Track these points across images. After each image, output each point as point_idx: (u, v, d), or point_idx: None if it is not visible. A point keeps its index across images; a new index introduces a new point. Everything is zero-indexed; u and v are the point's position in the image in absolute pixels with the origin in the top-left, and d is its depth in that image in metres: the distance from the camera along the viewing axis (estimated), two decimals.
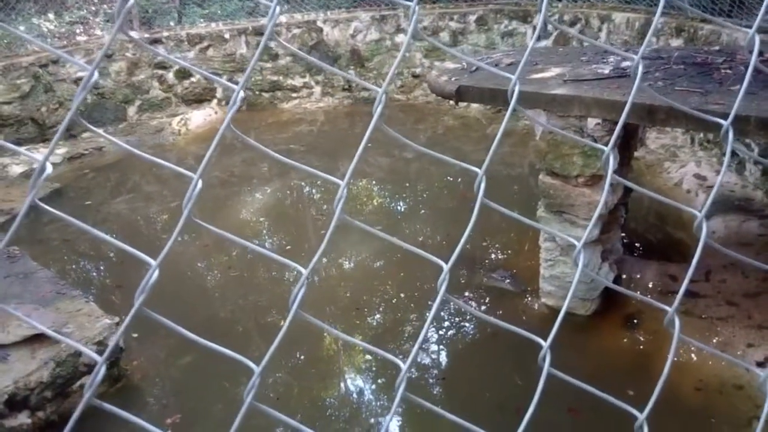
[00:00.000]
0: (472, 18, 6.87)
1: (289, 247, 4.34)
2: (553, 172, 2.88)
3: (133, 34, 6.21)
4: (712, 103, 2.30)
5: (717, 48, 3.32)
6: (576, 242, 0.72)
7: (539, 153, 5.65)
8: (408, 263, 3.84)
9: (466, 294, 3.53)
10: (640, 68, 0.77)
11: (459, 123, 6.75)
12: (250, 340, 3.31)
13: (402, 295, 3.61)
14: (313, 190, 5.44)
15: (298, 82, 7.23)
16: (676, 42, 4.88)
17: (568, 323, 3.19)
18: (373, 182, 5.58)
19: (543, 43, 6.46)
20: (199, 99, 6.91)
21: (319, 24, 7.07)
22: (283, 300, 3.61)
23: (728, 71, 2.71)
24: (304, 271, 0.61)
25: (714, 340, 2.76)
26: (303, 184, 5.48)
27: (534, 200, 3.25)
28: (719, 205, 3.76)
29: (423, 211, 5.07)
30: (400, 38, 7.05)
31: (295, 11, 7.12)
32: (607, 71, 2.90)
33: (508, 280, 3.52)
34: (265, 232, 4.73)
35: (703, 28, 4.58)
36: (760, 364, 2.67)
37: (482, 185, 0.68)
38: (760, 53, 2.36)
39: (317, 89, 7.32)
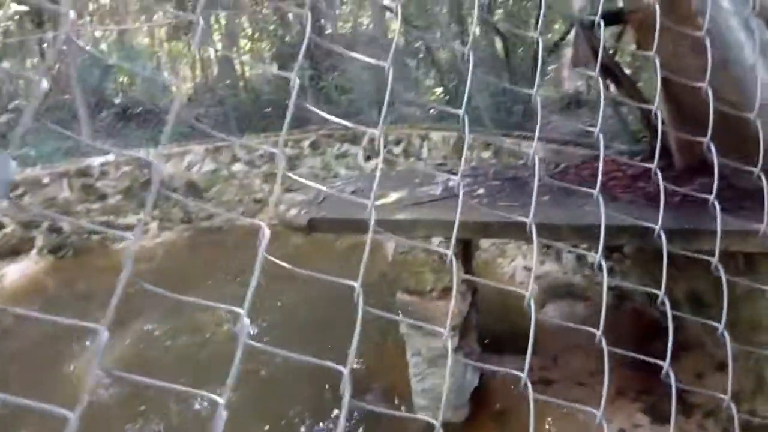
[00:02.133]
0: (306, 143, 7.26)
1: (143, 407, 3.92)
2: (408, 289, 3.05)
3: None
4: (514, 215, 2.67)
5: (522, 162, 3.91)
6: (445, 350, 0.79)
7: (387, 264, 5.94)
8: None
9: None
10: (461, 189, 0.92)
11: (308, 241, 6.84)
12: None
13: None
14: (162, 336, 5.04)
15: (131, 219, 6.88)
16: (485, 154, 5.63)
17: None
18: (222, 313, 5.36)
19: (374, 162, 7.00)
20: (14, 251, 6.20)
21: (150, 159, 6.92)
22: None
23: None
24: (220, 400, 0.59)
25: (577, 423, 3.00)
26: (149, 327, 5.08)
27: (390, 311, 3.35)
28: (549, 293, 4.23)
29: (278, 332, 4.92)
30: (237, 167, 7.16)
31: (122, 147, 6.92)
32: (438, 192, 3.23)
33: (382, 401, 3.53)
34: (109, 392, 4.22)
35: (506, 141, 5.36)
36: None
37: (360, 298, 0.74)
38: (556, 165, 2.79)
39: (153, 224, 7.02)
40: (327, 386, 3.85)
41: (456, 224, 0.85)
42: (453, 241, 0.92)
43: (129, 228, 6.89)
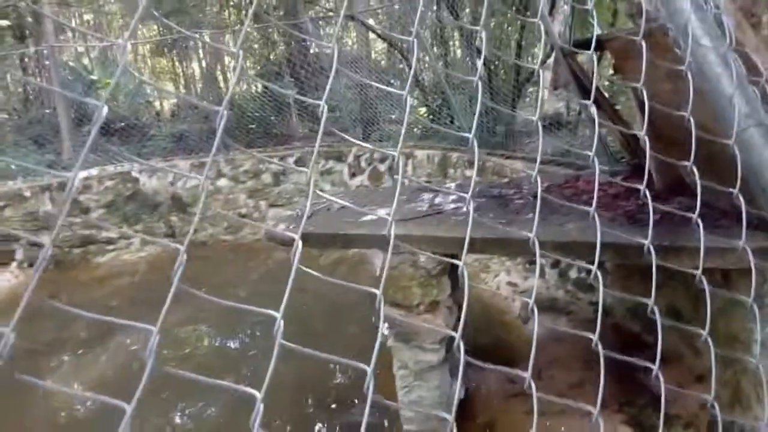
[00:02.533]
0: (291, 160, 7.32)
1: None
2: (396, 303, 3.10)
3: None
4: (516, 231, 2.75)
5: (507, 180, 4.01)
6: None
7: (372, 278, 5.98)
8: None
9: None
10: (471, 206, 0.99)
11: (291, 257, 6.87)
12: None
13: None
14: (142, 351, 4.99)
15: (114, 233, 6.84)
16: (469, 172, 5.74)
17: None
18: (204, 327, 5.34)
19: (359, 179, 7.08)
20: None
21: (134, 174, 6.92)
22: None
23: (520, 201, 3.28)
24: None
25: None
26: (129, 341, 5.04)
27: (377, 326, 3.37)
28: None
29: (263, 347, 4.92)
30: (222, 182, 7.17)
31: (107, 163, 6.89)
32: (425, 208, 3.31)
33: (368, 413, 3.56)
34: (89, 410, 4.17)
35: (490, 160, 5.49)
36: None
37: (382, 303, 0.80)
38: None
39: (136, 239, 6.98)
40: (308, 400, 3.87)
41: (466, 240, 0.92)
42: (464, 254, 0.98)
43: (111, 242, 6.85)
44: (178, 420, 3.82)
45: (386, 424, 3.48)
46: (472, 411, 3.34)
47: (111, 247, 6.82)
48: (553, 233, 2.62)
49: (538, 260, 1.14)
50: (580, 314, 4.17)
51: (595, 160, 0.99)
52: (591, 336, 0.92)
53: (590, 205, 3.21)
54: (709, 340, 1.00)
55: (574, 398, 3.18)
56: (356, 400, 3.79)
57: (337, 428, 3.58)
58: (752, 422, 2.59)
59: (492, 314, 4.72)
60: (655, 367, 0.93)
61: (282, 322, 0.67)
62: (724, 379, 2.72)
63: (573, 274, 4.40)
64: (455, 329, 2.89)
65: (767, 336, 2.40)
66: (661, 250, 2.40)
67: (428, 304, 3.05)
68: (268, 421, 3.64)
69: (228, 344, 5.05)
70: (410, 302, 3.06)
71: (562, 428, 3.15)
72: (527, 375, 0.85)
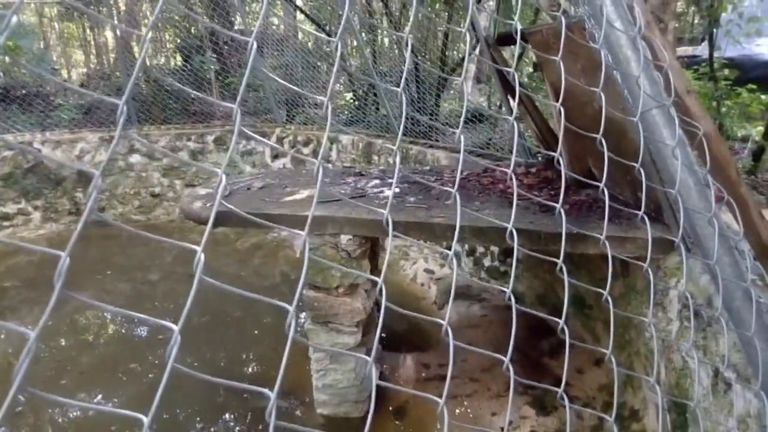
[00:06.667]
0: (210, 138, 7.05)
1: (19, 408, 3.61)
2: (315, 285, 3.08)
3: None
4: (436, 216, 2.80)
5: (428, 168, 4.07)
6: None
7: (290, 263, 5.91)
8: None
9: (237, 422, 3.41)
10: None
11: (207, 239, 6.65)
12: None
13: None
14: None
15: (11, 209, 6.31)
16: (393, 159, 5.79)
17: (344, 428, 3.32)
18: (107, 313, 5.05)
19: (281, 161, 6.95)
20: None
21: (36, 145, 6.40)
22: None
23: (441, 188, 3.34)
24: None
25: (469, 416, 3.18)
26: (25, 329, 4.68)
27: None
28: (448, 294, 4.43)
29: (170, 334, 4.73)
30: (135, 158, 6.80)
31: (4, 132, 6.34)
32: (348, 191, 3.30)
33: (282, 399, 3.52)
34: None
35: (413, 148, 5.55)
36: (503, 429, 3.14)
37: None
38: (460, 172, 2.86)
39: (36, 215, 6.49)
40: (219, 388, 3.75)
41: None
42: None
43: (7, 218, 6.32)
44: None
45: (300, 410, 3.45)
46: (386, 394, 3.39)
47: (7, 223, 6.29)
48: (469, 219, 2.69)
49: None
50: (493, 301, 4.33)
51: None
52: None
53: (507, 193, 3.30)
54: (609, 299, 1.07)
55: (486, 381, 3.30)
56: (269, 388, 3.74)
57: (249, 414, 3.51)
58: (642, 403, 2.80)
59: (408, 300, 4.80)
60: (561, 321, 0.97)
61: (203, 256, 0.64)
62: (618, 363, 2.92)
63: (487, 262, 4.56)
64: (372, 313, 2.88)
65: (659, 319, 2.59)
66: (570, 238, 2.53)
67: (347, 286, 3.05)
68: (179, 410, 3.51)
69: (133, 331, 4.81)
70: (329, 284, 3.05)
71: (475, 405, 3.26)
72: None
